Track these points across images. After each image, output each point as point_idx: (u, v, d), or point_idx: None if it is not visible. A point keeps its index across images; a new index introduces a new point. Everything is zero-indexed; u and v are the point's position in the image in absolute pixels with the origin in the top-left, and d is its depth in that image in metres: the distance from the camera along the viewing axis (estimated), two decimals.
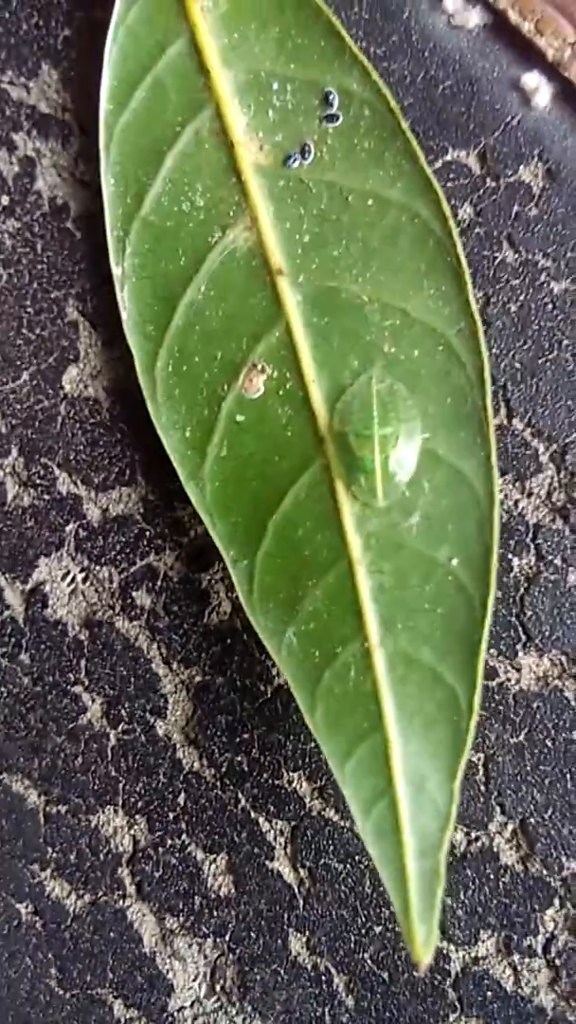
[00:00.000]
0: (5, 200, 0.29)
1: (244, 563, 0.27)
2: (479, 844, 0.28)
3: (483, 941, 0.28)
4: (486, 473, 0.26)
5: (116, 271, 0.27)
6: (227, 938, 0.28)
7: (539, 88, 0.29)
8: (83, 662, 0.29)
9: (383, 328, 0.27)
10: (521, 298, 0.29)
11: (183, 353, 0.27)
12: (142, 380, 0.27)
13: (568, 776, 0.28)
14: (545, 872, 0.28)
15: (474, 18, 0.29)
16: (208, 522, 0.27)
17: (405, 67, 0.29)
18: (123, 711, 0.29)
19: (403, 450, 0.26)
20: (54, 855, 0.29)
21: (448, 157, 0.29)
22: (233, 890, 0.28)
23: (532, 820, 0.28)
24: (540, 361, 0.29)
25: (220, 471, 0.27)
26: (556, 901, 0.28)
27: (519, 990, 0.28)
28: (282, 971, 0.28)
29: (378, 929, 0.28)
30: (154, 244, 0.27)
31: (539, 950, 0.28)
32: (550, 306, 0.29)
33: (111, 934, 0.29)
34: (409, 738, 0.25)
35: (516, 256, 0.29)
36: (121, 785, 0.29)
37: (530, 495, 0.28)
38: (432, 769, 0.25)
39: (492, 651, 0.28)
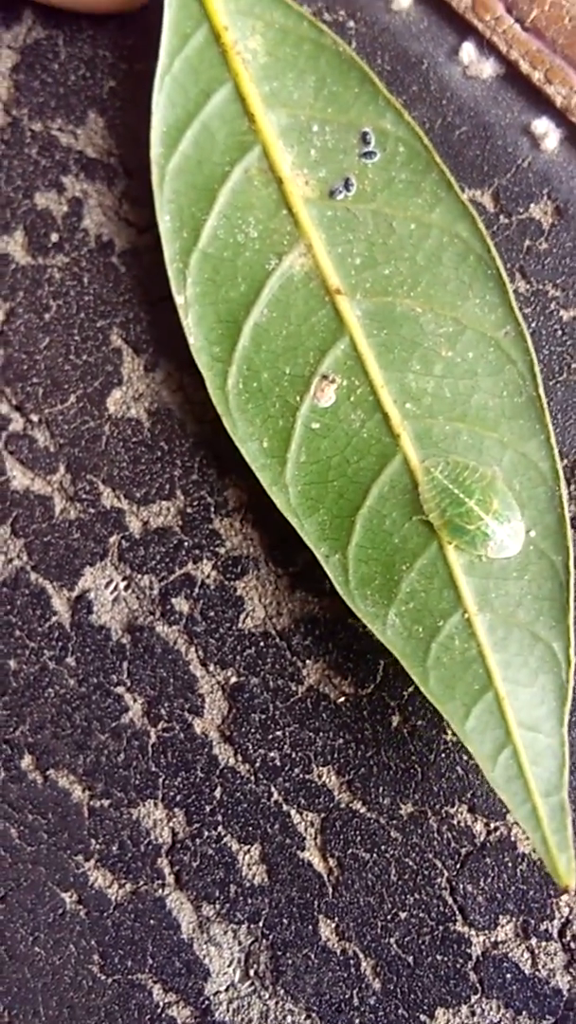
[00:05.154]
0: (55, 237, 0.32)
1: (336, 557, 0.28)
2: (498, 834, 0.30)
3: (502, 926, 0.30)
4: (548, 452, 0.28)
5: (179, 300, 0.29)
6: (260, 925, 0.30)
7: (548, 133, 0.31)
8: (125, 664, 0.31)
9: (439, 335, 0.29)
10: (533, 325, 0.31)
11: (252, 371, 0.29)
12: (214, 397, 0.29)
13: None
14: None
15: (488, 69, 0.31)
16: (296, 523, 0.29)
17: (424, 114, 0.31)
18: (163, 710, 0.31)
19: (499, 500, 0.28)
20: (97, 847, 0.30)
21: (464, 196, 0.31)
22: (266, 879, 0.30)
23: None
24: (551, 383, 0.31)
25: (302, 475, 0.29)
26: None
27: (536, 972, 0.29)
28: (313, 956, 0.30)
29: (403, 915, 0.30)
30: (213, 274, 0.29)
31: (555, 934, 0.29)
32: (560, 332, 0.31)
33: (151, 922, 0.30)
34: (518, 692, 0.27)
35: (528, 286, 0.31)
36: (161, 780, 0.30)
37: None
38: (543, 717, 0.27)
39: None
